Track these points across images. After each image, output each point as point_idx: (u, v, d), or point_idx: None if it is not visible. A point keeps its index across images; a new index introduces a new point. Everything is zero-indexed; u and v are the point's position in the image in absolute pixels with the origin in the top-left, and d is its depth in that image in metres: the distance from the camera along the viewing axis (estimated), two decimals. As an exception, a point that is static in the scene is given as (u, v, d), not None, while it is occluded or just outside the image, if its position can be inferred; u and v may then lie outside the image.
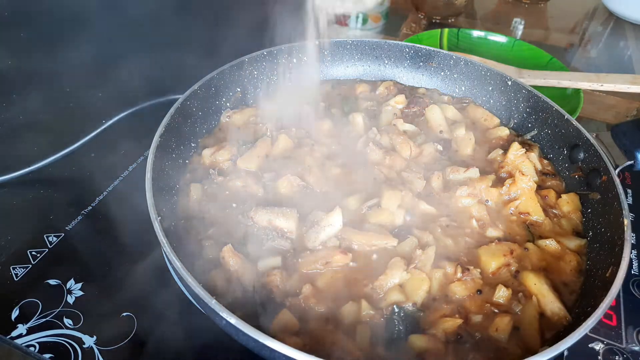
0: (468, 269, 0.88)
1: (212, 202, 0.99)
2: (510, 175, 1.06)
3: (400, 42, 1.39)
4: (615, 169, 1.00)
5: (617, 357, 0.90)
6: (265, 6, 1.10)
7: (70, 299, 0.92)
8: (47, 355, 0.83)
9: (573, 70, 1.67)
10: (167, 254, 0.77)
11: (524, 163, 1.09)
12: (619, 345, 0.92)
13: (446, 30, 1.78)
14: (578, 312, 0.84)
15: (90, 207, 1.11)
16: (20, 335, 0.86)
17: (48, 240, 1.03)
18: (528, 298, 0.86)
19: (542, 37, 2.07)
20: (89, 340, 0.86)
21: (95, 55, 1.11)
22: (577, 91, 1.46)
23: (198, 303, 0.78)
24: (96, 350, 0.85)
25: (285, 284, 0.85)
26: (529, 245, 0.95)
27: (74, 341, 0.86)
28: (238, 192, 1.01)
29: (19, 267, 0.97)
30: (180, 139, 1.07)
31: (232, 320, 0.68)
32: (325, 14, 1.06)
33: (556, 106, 1.16)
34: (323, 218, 0.92)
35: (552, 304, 0.85)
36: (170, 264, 0.77)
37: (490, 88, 1.31)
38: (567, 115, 1.13)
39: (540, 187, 1.08)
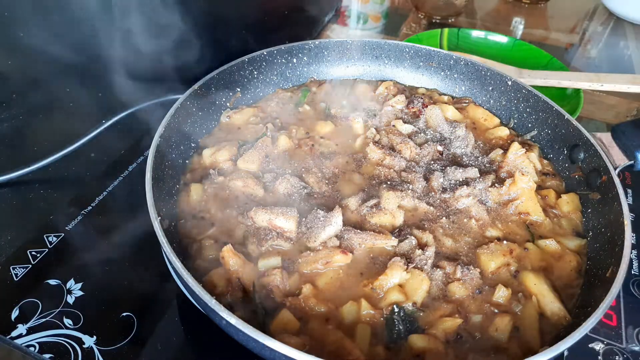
0: (468, 269, 0.88)
1: (212, 202, 0.99)
2: (510, 175, 1.06)
3: (400, 42, 1.39)
4: (615, 169, 1.00)
5: (617, 357, 0.90)
6: (265, 6, 1.09)
7: (70, 299, 0.92)
8: (47, 355, 0.83)
9: (573, 70, 1.67)
10: (167, 254, 0.77)
11: (524, 163, 1.09)
12: (619, 345, 0.92)
13: (446, 30, 1.78)
14: (578, 312, 0.84)
15: (90, 207, 1.11)
16: (20, 335, 0.86)
17: (48, 240, 1.03)
18: (528, 298, 0.86)
19: (542, 37, 2.07)
20: (89, 340, 0.86)
21: (95, 55, 1.11)
22: (577, 91, 1.46)
23: (198, 303, 0.78)
24: (96, 350, 0.85)
25: (285, 284, 0.85)
26: (529, 245, 0.96)
27: (74, 341, 0.86)
28: (238, 192, 1.01)
29: (19, 267, 0.97)
30: (180, 139, 1.07)
31: (232, 320, 0.68)
32: None
33: (556, 106, 1.16)
34: (323, 218, 0.92)
35: (552, 304, 0.85)
36: (170, 264, 0.77)
37: (490, 88, 1.31)
38: (567, 115, 1.13)
39: (540, 187, 1.08)
